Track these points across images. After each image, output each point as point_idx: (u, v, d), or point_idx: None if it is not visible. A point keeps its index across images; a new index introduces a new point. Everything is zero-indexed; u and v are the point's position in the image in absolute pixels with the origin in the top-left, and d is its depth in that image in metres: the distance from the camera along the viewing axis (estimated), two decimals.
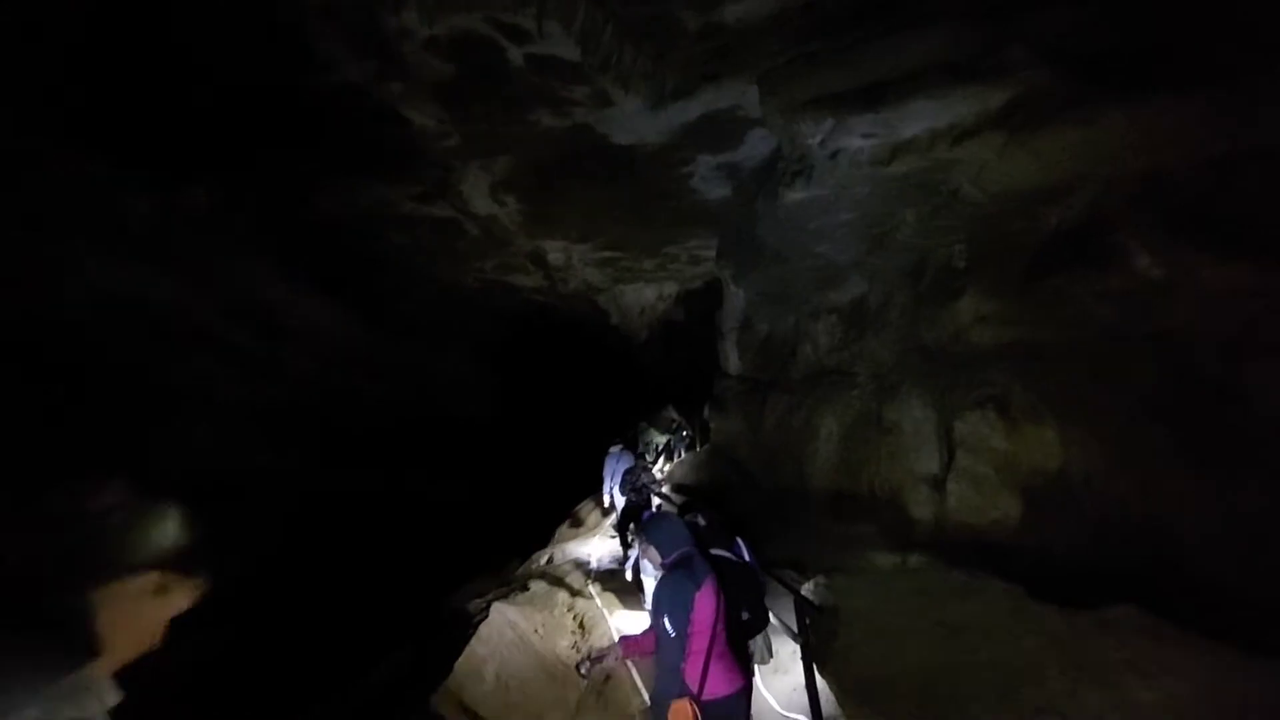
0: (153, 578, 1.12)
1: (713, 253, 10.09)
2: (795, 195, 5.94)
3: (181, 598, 1.20)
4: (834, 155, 5.44)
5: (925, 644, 3.24)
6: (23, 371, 7.88)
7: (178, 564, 1.18)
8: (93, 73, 6.83)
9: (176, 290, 9.46)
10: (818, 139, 5.33)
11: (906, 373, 6.28)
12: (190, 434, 9.57)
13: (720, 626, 2.45)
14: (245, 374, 10.68)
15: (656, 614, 2.55)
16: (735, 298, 9.65)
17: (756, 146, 7.40)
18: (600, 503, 9.67)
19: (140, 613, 1.04)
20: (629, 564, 6.47)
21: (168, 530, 1.18)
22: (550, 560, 8.19)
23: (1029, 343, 5.24)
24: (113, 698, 0.96)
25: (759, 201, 6.94)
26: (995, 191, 5.14)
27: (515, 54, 6.02)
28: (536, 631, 5.55)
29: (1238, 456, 3.86)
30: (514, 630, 5.40)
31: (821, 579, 4.43)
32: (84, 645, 0.92)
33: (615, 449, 8.72)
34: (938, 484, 5.68)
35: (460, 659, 4.86)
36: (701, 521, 3.24)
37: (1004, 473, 5.16)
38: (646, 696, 4.30)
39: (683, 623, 2.39)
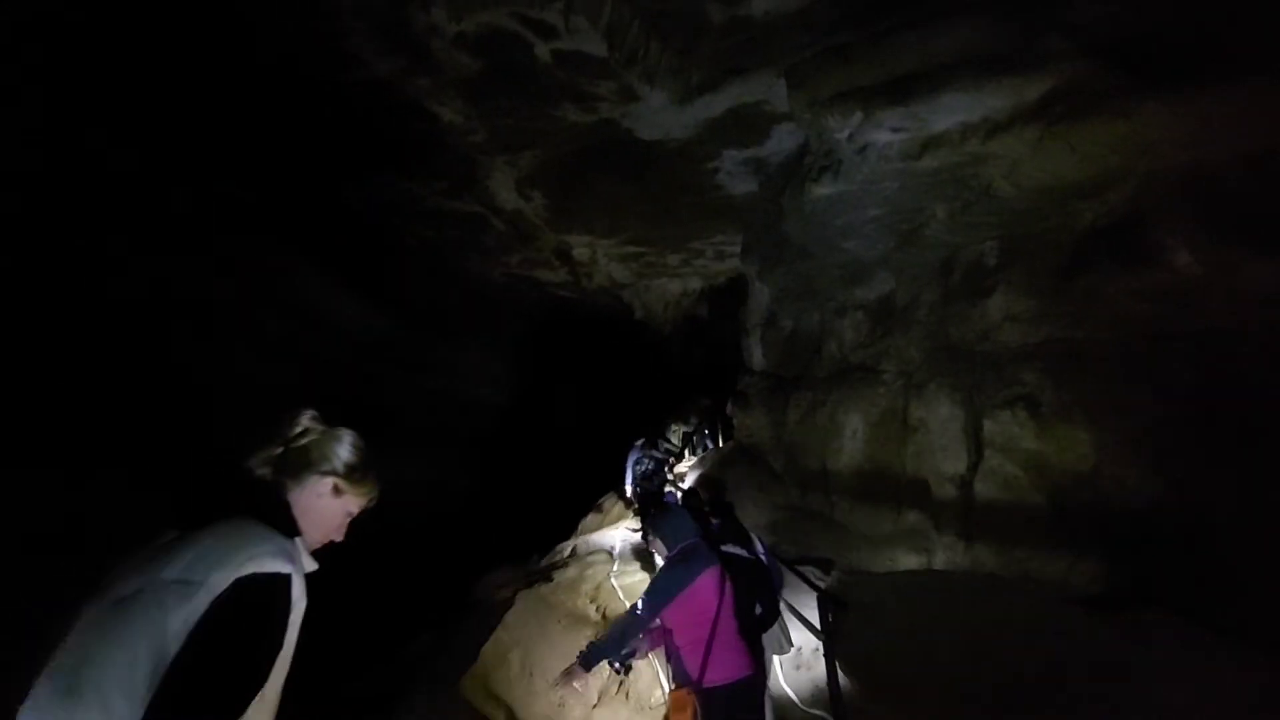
0: (330, 482, 1.29)
1: (738, 249, 10.05)
2: (822, 190, 5.88)
3: (352, 501, 1.41)
4: (862, 150, 5.37)
5: (950, 643, 3.22)
6: (73, 356, 8.19)
7: (347, 475, 1.39)
8: (129, 68, 7.04)
9: (211, 281, 9.73)
10: (846, 133, 5.27)
11: (934, 371, 6.19)
12: (222, 419, 9.84)
13: (726, 616, 2.52)
14: (277, 363, 10.95)
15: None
16: (760, 294, 9.60)
17: (783, 141, 7.34)
18: (622, 495, 9.77)
19: (323, 508, 1.23)
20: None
21: (342, 450, 1.37)
22: (574, 551, 8.27)
23: (1062, 342, 5.13)
24: (309, 564, 1.17)
25: (785, 197, 6.89)
26: (1029, 187, 5.03)
27: (542, 49, 6.06)
28: (559, 621, 5.62)
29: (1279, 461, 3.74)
30: (537, 619, 5.47)
31: (845, 577, 4.42)
32: (291, 524, 1.12)
33: (637, 444, 8.83)
34: (965, 484, 5.60)
35: (486, 645, 4.96)
36: (715, 520, 3.33)
37: (1034, 473, 5.07)
38: (667, 688, 4.34)
39: (653, 607, 2.49)
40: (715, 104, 6.67)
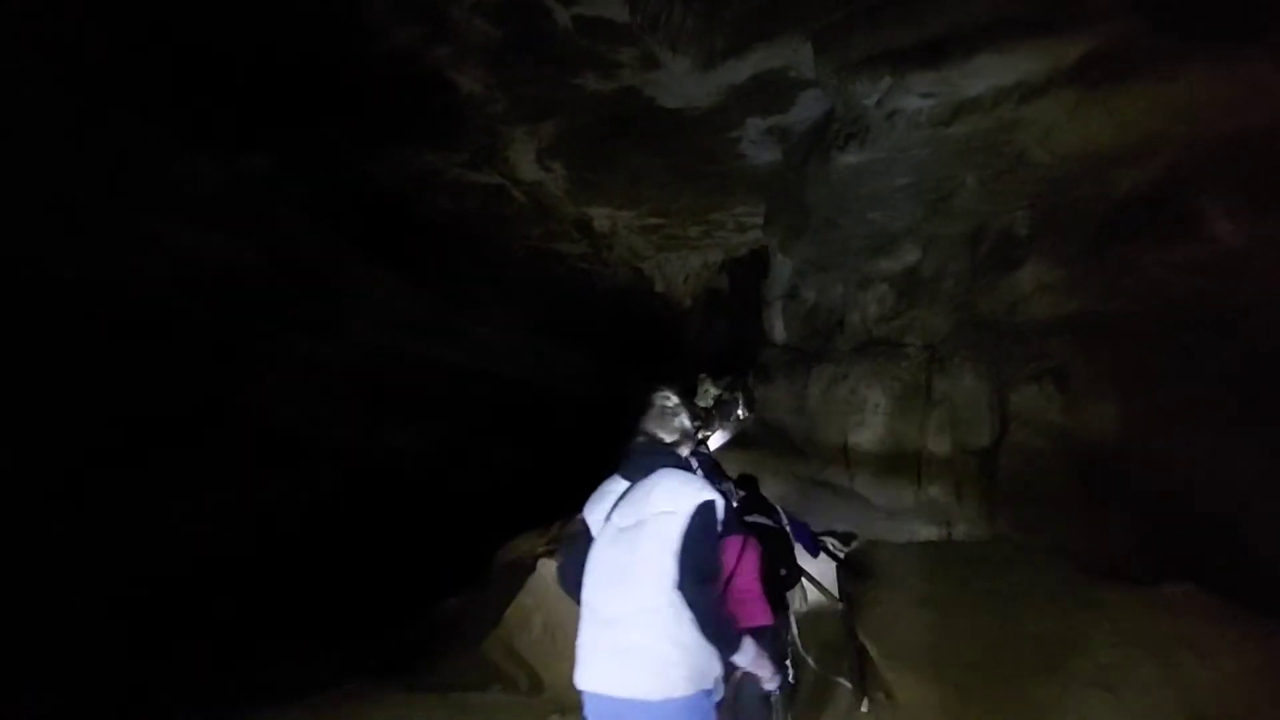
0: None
1: (760, 220, 9.90)
2: (848, 159, 5.75)
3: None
4: (891, 116, 5.24)
5: (971, 613, 3.22)
6: (104, 330, 8.41)
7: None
8: (157, 42, 7.07)
9: (241, 252, 9.86)
10: (874, 99, 5.14)
11: (960, 343, 6.10)
12: (256, 392, 10.09)
13: (745, 577, 2.81)
14: (304, 335, 11.13)
15: None
16: (782, 266, 9.48)
17: (808, 108, 7.17)
18: None
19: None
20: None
21: (682, 420, 1.70)
22: None
23: (1093, 314, 5.02)
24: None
25: (810, 166, 6.75)
26: (1064, 154, 4.87)
27: (562, 15, 5.98)
28: None
29: None
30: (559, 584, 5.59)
31: (865, 547, 4.44)
32: (689, 467, 1.44)
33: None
34: (988, 457, 5.56)
35: (509, 608, 5.09)
36: (741, 492, 3.76)
37: (1060, 447, 5.01)
38: None
39: None
40: (739, 70, 6.52)
